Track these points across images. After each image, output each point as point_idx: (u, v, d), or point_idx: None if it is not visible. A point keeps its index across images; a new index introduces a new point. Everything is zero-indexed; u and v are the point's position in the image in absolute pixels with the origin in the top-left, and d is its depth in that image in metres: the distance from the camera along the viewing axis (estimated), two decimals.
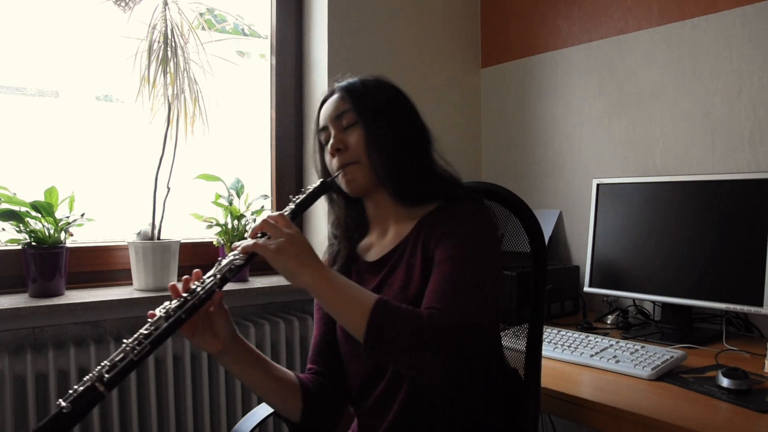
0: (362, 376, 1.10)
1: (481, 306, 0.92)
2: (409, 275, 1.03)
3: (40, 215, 1.59)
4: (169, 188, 1.76)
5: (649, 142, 1.94)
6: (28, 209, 1.58)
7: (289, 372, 1.10)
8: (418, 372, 0.91)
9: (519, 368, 1.18)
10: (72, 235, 1.66)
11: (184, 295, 0.91)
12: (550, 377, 1.29)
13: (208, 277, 0.93)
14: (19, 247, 1.60)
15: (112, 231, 1.85)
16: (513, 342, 1.22)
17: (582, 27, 2.13)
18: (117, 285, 1.81)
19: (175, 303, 0.90)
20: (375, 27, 2.19)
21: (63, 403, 0.80)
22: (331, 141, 1.09)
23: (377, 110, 1.08)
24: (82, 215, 1.64)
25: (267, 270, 2.09)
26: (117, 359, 0.84)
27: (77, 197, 1.65)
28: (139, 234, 1.75)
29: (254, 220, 1.92)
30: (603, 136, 2.07)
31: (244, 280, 1.91)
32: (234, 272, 0.93)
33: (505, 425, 1.12)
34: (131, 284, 1.77)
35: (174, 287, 0.95)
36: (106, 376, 0.83)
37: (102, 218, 1.72)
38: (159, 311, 0.90)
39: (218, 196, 1.91)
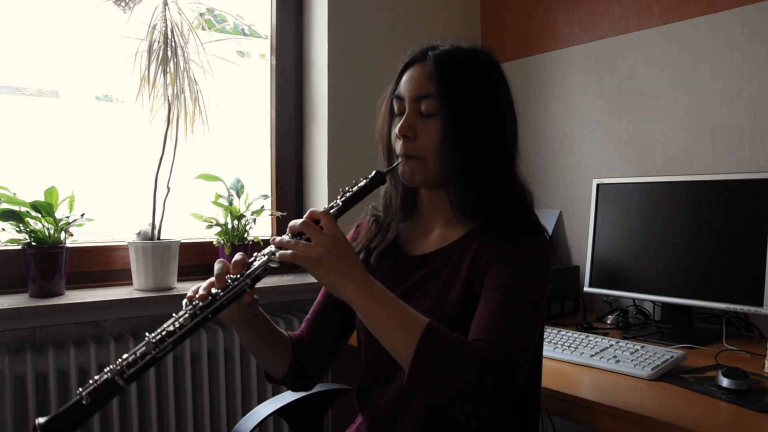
0: (379, 369, 1.05)
1: (529, 342, 0.90)
2: (447, 291, 0.99)
3: (40, 215, 1.59)
4: (169, 188, 1.76)
5: (649, 142, 1.94)
6: (28, 209, 1.58)
7: (284, 336, 1.09)
8: (463, 406, 0.84)
9: None
10: (72, 235, 1.66)
11: (214, 291, 0.89)
12: (550, 377, 1.29)
13: (242, 275, 0.90)
14: (19, 247, 1.60)
15: (112, 231, 1.85)
16: None
17: (582, 27, 2.13)
18: (117, 285, 1.81)
19: (203, 298, 0.88)
20: (375, 27, 2.19)
21: (83, 393, 0.80)
22: (402, 121, 0.97)
23: (467, 104, 0.95)
24: (82, 215, 1.64)
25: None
26: (139, 354, 0.84)
27: (77, 197, 1.65)
28: (139, 234, 1.75)
29: (254, 221, 1.92)
30: (603, 136, 2.07)
31: None
32: (267, 272, 0.91)
33: (507, 426, 1.11)
34: (131, 284, 1.76)
35: (222, 272, 0.90)
36: (127, 371, 0.83)
37: (102, 218, 1.72)
38: (186, 306, 0.88)
39: (218, 196, 1.90)
